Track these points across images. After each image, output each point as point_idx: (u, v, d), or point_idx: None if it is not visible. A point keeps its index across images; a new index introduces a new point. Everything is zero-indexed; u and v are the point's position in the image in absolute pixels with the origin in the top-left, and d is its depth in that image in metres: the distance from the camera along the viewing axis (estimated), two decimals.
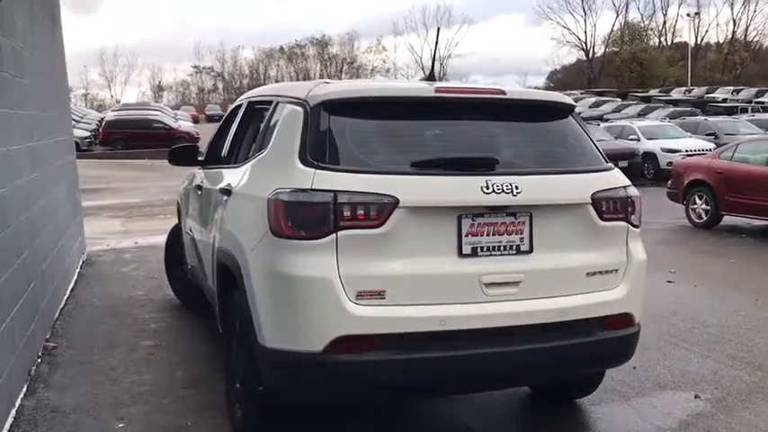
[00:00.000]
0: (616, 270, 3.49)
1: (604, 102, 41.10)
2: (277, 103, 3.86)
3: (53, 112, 6.95)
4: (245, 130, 4.45)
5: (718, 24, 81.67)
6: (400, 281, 3.11)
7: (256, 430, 3.61)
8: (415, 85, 3.82)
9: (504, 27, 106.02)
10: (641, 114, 33.41)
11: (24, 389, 4.41)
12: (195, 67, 75.11)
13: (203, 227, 4.76)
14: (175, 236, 6.37)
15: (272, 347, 3.17)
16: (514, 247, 3.30)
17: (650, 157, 20.12)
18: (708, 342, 5.53)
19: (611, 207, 3.47)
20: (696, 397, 4.45)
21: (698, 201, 11.58)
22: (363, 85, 3.88)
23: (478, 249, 3.23)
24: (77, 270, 7.82)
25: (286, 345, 3.12)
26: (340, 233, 3.04)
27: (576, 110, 3.83)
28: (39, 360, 4.94)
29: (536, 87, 71.54)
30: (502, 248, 3.28)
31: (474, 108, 3.51)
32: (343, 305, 3.03)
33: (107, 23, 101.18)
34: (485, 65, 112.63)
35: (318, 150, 3.21)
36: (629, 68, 61.79)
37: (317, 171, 3.13)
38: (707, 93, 44.87)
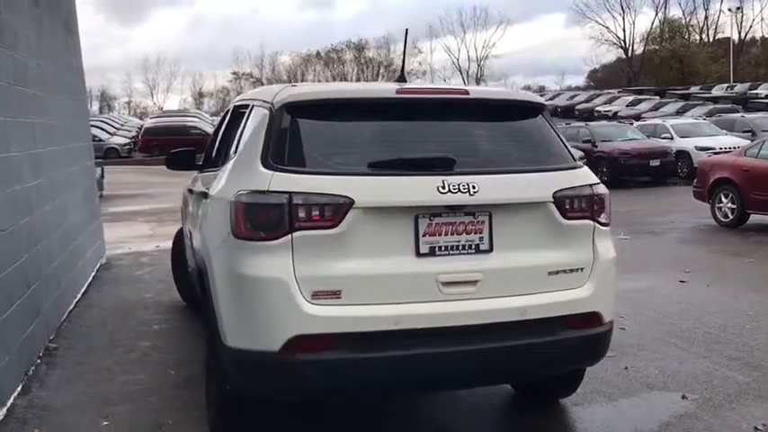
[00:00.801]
0: (581, 269, 3.46)
1: (642, 100, 40.48)
2: (252, 107, 3.93)
3: (65, 119, 7.15)
4: (229, 134, 4.54)
5: (762, 19, 79.57)
6: (356, 281, 3.14)
7: (228, 429, 3.67)
8: (377, 87, 3.86)
9: (543, 27, 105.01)
10: (679, 112, 32.83)
11: (19, 388, 4.55)
12: (234, 73, 76.11)
13: (193, 229, 4.87)
14: (179, 239, 6.50)
15: (233, 347, 3.23)
16: (474, 247, 3.30)
17: (684, 155, 19.79)
18: (708, 342, 5.43)
19: (575, 205, 3.44)
20: (683, 397, 4.38)
21: (724, 199, 11.35)
22: (325, 88, 3.94)
23: (436, 249, 3.24)
24: (93, 273, 8.02)
25: (245, 344, 3.18)
26: (295, 234, 3.09)
27: (549, 107, 3.82)
28: (38, 360, 5.09)
29: (576, 87, 70.80)
30: (461, 248, 3.28)
31: (437, 108, 3.53)
32: (298, 305, 3.08)
33: (152, 33, 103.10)
34: (524, 65, 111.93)
35: (279, 152, 3.27)
36: (669, 66, 60.60)
37: (275, 173, 3.18)
38: (749, 89, 43.79)
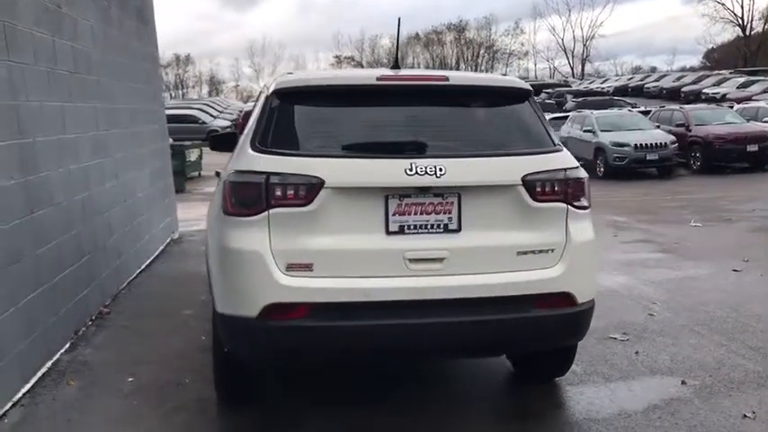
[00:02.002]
0: (551, 250, 3.57)
1: (754, 82, 38.22)
2: (261, 93, 4.23)
3: (133, 104, 7.73)
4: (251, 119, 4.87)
5: None
6: (327, 255, 3.39)
7: (226, 390, 4.03)
8: (360, 74, 4.05)
9: (655, 5, 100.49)
10: None
11: (67, 345, 5.10)
12: (336, 56, 77.41)
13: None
14: None
15: (221, 312, 3.56)
16: (442, 226, 3.48)
17: None
18: (734, 332, 5.34)
19: (547, 189, 3.54)
20: (683, 383, 4.39)
21: None
22: (312, 75, 4.17)
23: (405, 227, 3.44)
24: (162, 247, 8.64)
25: (230, 310, 3.49)
26: (272, 211, 3.37)
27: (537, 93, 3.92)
28: (90, 322, 5.64)
29: (690, 68, 67.14)
30: (429, 227, 3.47)
31: (416, 95, 3.70)
32: (273, 276, 3.36)
33: (262, 18, 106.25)
34: (634, 45, 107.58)
35: (266, 136, 3.55)
36: None
37: (259, 155, 3.48)
38: None
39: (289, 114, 3.61)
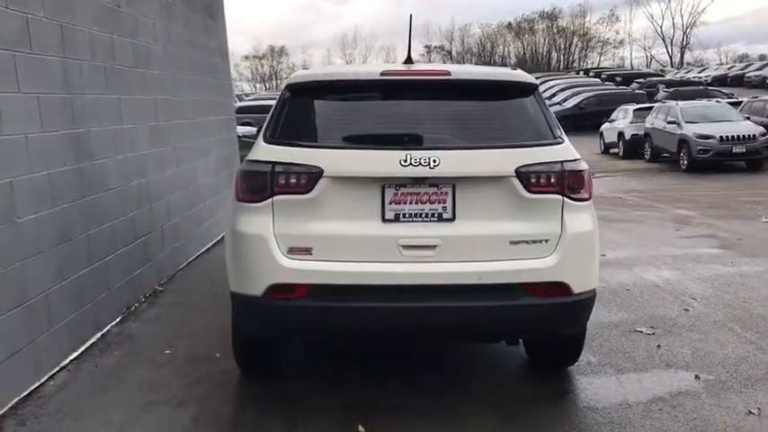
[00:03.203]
0: (546, 240, 3.65)
1: None
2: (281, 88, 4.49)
3: (198, 96, 8.19)
4: None
5: None
6: (325, 240, 3.62)
7: (242, 363, 4.34)
8: (365, 69, 4.20)
9: None
10: None
11: (118, 319, 5.56)
12: (426, 46, 77.43)
13: None
14: None
15: (233, 291, 3.84)
16: (436, 215, 3.63)
17: None
18: None
19: (542, 180, 3.63)
20: (696, 377, 4.37)
21: None
22: (321, 71, 4.36)
23: (401, 215, 3.62)
24: (224, 233, 9.09)
25: (240, 289, 3.77)
26: (275, 198, 3.62)
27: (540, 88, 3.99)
28: (143, 299, 6.10)
29: None
30: (424, 215, 3.63)
31: (418, 89, 3.86)
32: (276, 258, 3.61)
33: (357, 9, 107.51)
34: (744, 32, 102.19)
35: (275, 128, 3.81)
36: None
37: (267, 146, 3.74)
38: None
39: (297, 108, 3.85)
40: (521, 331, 3.92)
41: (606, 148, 23.70)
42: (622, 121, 22.53)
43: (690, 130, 17.55)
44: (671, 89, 31.55)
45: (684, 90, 30.57)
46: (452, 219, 3.64)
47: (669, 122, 18.63)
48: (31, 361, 4.27)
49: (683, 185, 14.90)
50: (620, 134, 22.25)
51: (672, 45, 68.89)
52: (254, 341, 4.17)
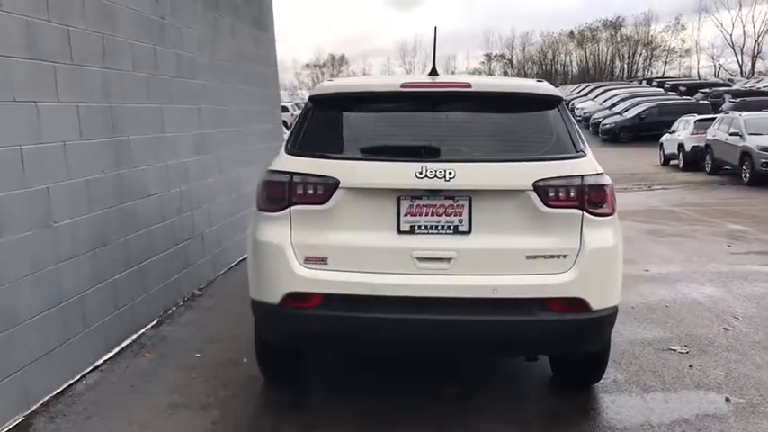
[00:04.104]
0: (564, 255, 3.60)
1: None
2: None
3: (244, 105, 8.36)
4: None
5: None
6: (341, 250, 3.65)
7: (263, 369, 4.40)
8: (386, 81, 4.22)
9: None
10: None
11: (154, 322, 5.71)
12: (487, 55, 77.10)
13: None
14: None
15: (253, 298, 3.92)
16: (452, 228, 3.63)
17: None
18: None
19: (561, 195, 3.59)
20: (727, 400, 4.24)
21: None
22: (343, 82, 4.39)
23: (416, 227, 3.63)
24: None
25: (259, 296, 3.84)
26: (293, 208, 3.68)
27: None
28: (181, 303, 6.25)
29: None
30: (440, 228, 3.63)
31: (438, 101, 3.86)
32: (292, 267, 3.67)
33: (422, 17, 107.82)
34: None
35: (296, 139, 3.87)
36: None
37: (288, 156, 3.80)
38: None
39: (318, 119, 3.91)
40: (538, 347, 3.87)
41: (666, 160, 23.12)
42: (683, 133, 21.94)
43: (753, 142, 16.95)
44: (737, 99, 30.54)
45: (752, 100, 29.53)
46: (468, 231, 3.63)
47: (731, 134, 18.05)
48: (65, 360, 4.43)
49: (742, 200, 14.40)
50: (681, 146, 21.68)
51: (742, 54, 66.74)
52: (277, 348, 4.23)
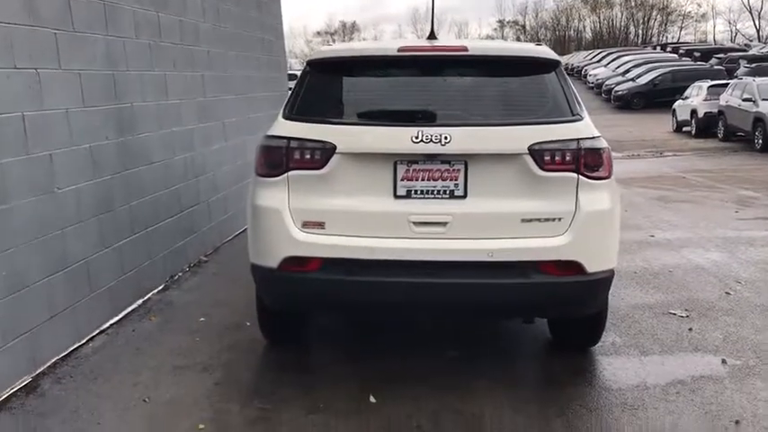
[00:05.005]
0: (559, 218, 3.62)
1: None
2: None
3: (249, 72, 8.36)
4: None
5: None
6: (338, 215, 3.69)
7: (265, 332, 4.47)
8: (383, 45, 4.21)
9: None
10: None
11: (161, 287, 5.80)
12: (500, 21, 76.19)
13: None
14: None
15: (253, 263, 3.98)
16: (448, 192, 3.65)
17: None
18: None
19: (556, 158, 3.60)
20: (723, 362, 4.28)
21: None
22: (340, 47, 4.39)
23: (412, 192, 3.66)
24: None
25: (259, 261, 3.90)
26: (290, 173, 3.71)
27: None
28: (187, 269, 6.34)
29: None
30: (436, 192, 3.66)
31: (435, 65, 3.86)
32: (291, 232, 3.72)
33: None
34: None
35: (294, 104, 3.89)
36: None
37: (285, 121, 3.83)
38: None
39: (316, 84, 3.92)
40: (533, 309, 3.91)
41: (679, 126, 22.92)
42: (696, 99, 21.72)
43: (766, 107, 16.78)
44: (752, 65, 30.14)
45: (767, 66, 29.13)
46: (464, 196, 3.65)
47: (745, 100, 17.86)
48: (71, 323, 4.52)
49: (754, 166, 14.30)
50: (693, 112, 21.48)
51: (759, 18, 65.51)
52: (278, 311, 4.30)
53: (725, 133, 19.25)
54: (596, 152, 3.67)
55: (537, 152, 3.59)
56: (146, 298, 5.53)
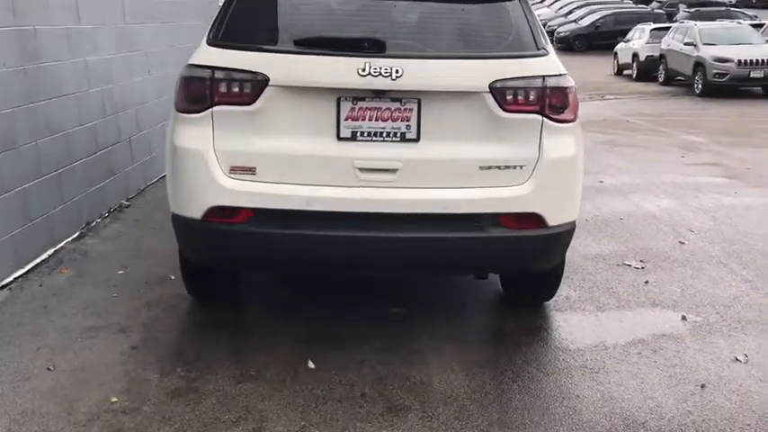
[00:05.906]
0: (520, 166, 3.24)
1: None
2: None
3: None
4: None
5: None
6: (271, 159, 3.22)
7: (192, 288, 4.01)
8: None
9: None
10: None
11: (75, 234, 5.23)
12: None
13: None
14: None
15: (173, 212, 3.48)
16: (399, 135, 3.21)
17: None
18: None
19: (519, 98, 3.19)
20: (683, 318, 4.04)
21: None
22: None
23: (358, 134, 3.20)
24: None
25: (180, 211, 3.41)
26: (215, 108, 3.20)
27: None
28: (106, 214, 5.76)
29: None
30: (385, 135, 3.21)
31: None
32: (216, 178, 3.23)
33: None
34: None
35: (220, 28, 3.35)
36: None
37: (209, 48, 3.29)
38: None
39: (246, 4, 3.38)
40: (489, 265, 3.57)
41: (620, 70, 22.81)
42: (638, 42, 21.59)
43: (707, 52, 16.74)
44: (692, 9, 30.25)
45: (706, 10, 29.30)
46: (416, 139, 3.22)
47: (686, 44, 17.78)
48: None
49: (696, 110, 14.28)
50: (635, 55, 21.35)
51: None
52: (204, 266, 3.83)
53: (666, 77, 19.21)
54: (563, 91, 3.28)
55: (498, 90, 3.17)
56: (57, 247, 4.96)
